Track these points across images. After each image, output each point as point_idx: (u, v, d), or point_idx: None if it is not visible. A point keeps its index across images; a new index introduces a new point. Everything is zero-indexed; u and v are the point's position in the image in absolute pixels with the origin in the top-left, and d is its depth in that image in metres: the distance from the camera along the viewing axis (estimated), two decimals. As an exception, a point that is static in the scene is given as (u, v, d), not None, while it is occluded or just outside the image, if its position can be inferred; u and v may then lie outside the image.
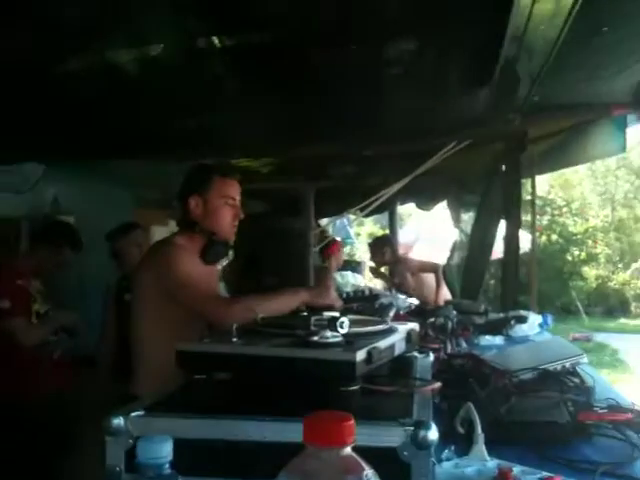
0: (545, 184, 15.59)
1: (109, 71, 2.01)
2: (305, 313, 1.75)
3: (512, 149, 3.98)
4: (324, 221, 6.41)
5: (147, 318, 2.14)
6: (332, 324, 1.19)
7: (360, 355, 1.11)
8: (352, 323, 1.27)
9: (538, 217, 14.92)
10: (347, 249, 15.68)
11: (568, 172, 14.77)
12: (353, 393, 1.13)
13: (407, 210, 12.46)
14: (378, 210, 5.70)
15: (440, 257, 7.02)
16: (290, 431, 0.94)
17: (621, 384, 6.62)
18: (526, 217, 4.75)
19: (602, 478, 1.19)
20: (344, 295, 2.89)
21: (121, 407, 1.10)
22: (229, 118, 2.69)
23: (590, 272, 16.23)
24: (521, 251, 4.29)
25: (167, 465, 0.81)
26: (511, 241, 4.02)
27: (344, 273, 6.28)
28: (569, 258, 16.13)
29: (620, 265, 16.56)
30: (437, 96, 2.60)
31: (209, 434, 1.04)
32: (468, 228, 5.73)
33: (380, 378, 1.24)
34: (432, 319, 2.74)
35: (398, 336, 1.37)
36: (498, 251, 4.70)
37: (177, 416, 1.08)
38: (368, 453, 0.95)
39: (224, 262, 2.26)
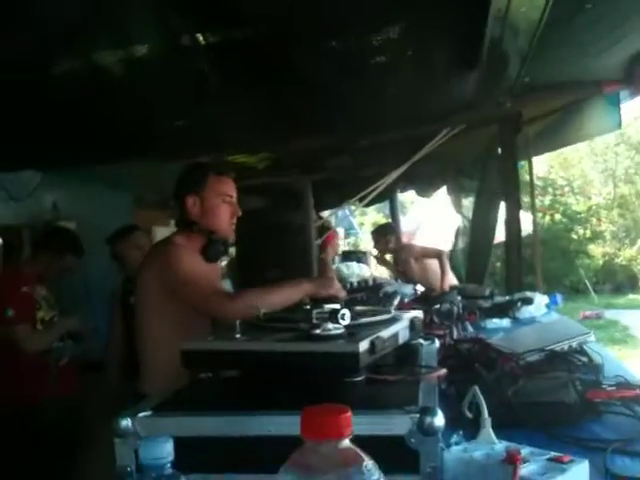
0: (545, 164, 15.57)
1: (96, 74, 2.01)
2: (308, 305, 1.74)
3: (507, 131, 3.97)
4: (326, 213, 6.39)
5: (151, 318, 2.15)
6: (333, 316, 1.19)
7: (363, 346, 1.11)
8: (355, 314, 1.27)
9: (540, 198, 14.95)
10: (351, 240, 15.70)
11: (567, 151, 14.74)
12: (358, 384, 1.13)
13: (409, 198, 12.46)
14: (378, 199, 5.70)
15: (443, 243, 7.02)
16: (296, 424, 0.94)
17: (633, 360, 6.62)
18: (526, 198, 4.73)
19: (613, 455, 1.19)
20: (348, 285, 2.89)
21: (129, 408, 1.10)
22: (219, 114, 2.68)
23: (596, 250, 16.22)
24: (524, 233, 4.28)
25: (169, 465, 0.81)
26: (512, 223, 4.02)
27: (349, 264, 6.26)
28: (574, 237, 16.13)
29: (627, 241, 16.53)
30: (426, 82, 2.59)
31: (216, 431, 1.04)
32: (470, 213, 5.72)
33: (385, 367, 1.24)
34: (437, 305, 2.74)
35: (401, 325, 1.37)
36: (503, 234, 4.69)
37: (183, 415, 1.08)
38: (376, 442, 0.96)
39: (224, 260, 2.26)
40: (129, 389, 2.37)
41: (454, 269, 5.42)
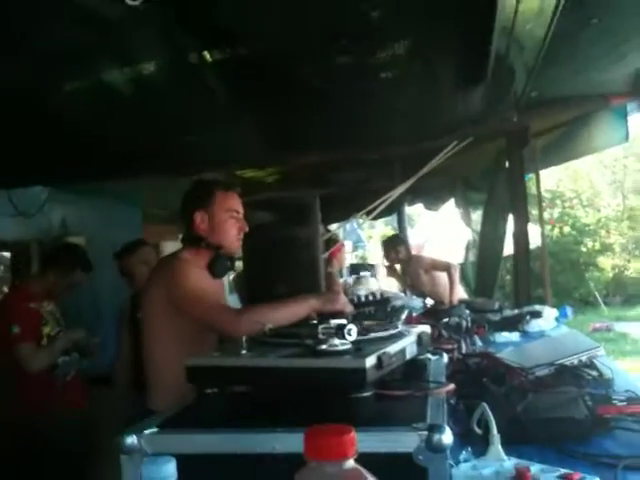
0: (553, 177, 15.53)
1: (106, 91, 2.03)
2: (315, 321, 1.74)
3: (514, 145, 3.97)
4: (334, 226, 6.39)
5: (158, 333, 2.14)
6: (340, 332, 1.18)
7: (370, 361, 1.10)
8: (361, 329, 1.26)
9: (549, 210, 14.91)
10: (359, 252, 15.69)
11: (576, 163, 14.68)
12: (365, 400, 1.12)
13: (417, 211, 12.45)
14: (386, 212, 5.69)
15: (452, 256, 6.99)
16: (301, 442, 0.94)
17: (643, 373, 6.55)
18: (534, 211, 4.72)
19: (624, 472, 1.17)
20: (355, 299, 2.88)
21: (135, 424, 1.10)
22: (227, 130, 2.70)
23: (606, 262, 16.12)
24: (533, 245, 4.26)
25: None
26: (520, 236, 4.01)
27: (363, 275, 6.23)
28: (583, 249, 16.04)
29: (636, 253, 16.43)
30: (433, 97, 2.60)
31: (221, 449, 1.03)
32: (479, 226, 5.71)
33: (393, 383, 1.23)
34: (446, 319, 2.73)
35: (409, 340, 1.36)
36: (511, 247, 4.68)
37: (188, 432, 1.07)
38: (385, 459, 0.95)
39: (230, 275, 2.26)
40: (137, 404, 2.37)
41: (465, 282, 5.40)
